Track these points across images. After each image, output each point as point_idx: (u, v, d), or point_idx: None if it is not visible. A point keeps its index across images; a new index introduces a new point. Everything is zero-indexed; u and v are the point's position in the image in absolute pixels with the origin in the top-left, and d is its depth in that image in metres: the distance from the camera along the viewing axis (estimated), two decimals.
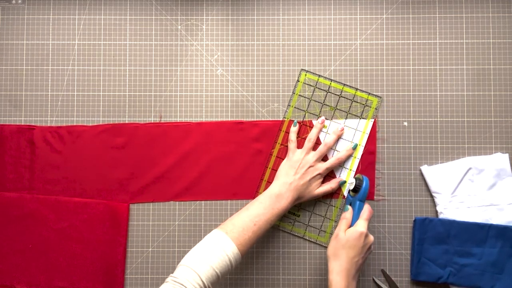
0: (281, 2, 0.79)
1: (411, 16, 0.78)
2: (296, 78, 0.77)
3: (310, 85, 0.77)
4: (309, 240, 0.76)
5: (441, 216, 0.74)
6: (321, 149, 0.74)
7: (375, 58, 0.78)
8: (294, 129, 0.75)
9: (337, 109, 0.77)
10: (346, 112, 0.77)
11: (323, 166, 0.73)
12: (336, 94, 0.77)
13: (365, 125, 0.76)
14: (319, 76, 0.77)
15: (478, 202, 0.74)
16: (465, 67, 0.77)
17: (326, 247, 0.75)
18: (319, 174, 0.73)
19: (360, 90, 0.77)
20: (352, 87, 0.77)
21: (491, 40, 0.77)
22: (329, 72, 0.77)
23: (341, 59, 0.78)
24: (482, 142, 0.76)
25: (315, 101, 0.77)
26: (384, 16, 0.78)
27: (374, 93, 0.77)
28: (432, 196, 0.75)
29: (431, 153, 0.76)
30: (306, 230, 0.76)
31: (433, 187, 0.75)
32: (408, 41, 0.78)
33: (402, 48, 0.78)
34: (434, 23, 0.78)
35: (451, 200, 0.74)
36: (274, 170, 0.76)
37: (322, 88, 0.77)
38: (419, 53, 0.77)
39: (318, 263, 0.76)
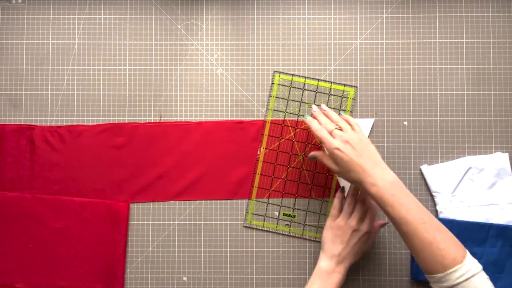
0: (281, 2, 0.79)
1: (411, 15, 0.78)
2: (271, 80, 0.78)
3: (285, 86, 0.77)
4: (308, 239, 0.76)
5: (441, 215, 0.74)
6: (359, 209, 0.69)
7: (375, 57, 0.78)
8: (339, 195, 0.71)
9: (315, 105, 0.77)
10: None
11: (365, 228, 0.68)
12: (312, 91, 0.77)
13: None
14: (293, 75, 0.77)
15: (478, 202, 0.74)
16: (465, 66, 0.77)
17: None
18: (363, 235, 0.68)
19: (335, 82, 0.77)
20: (326, 81, 0.77)
21: (491, 40, 0.77)
22: (329, 72, 0.77)
23: (341, 59, 0.78)
24: (482, 141, 0.76)
25: (293, 100, 0.77)
26: (384, 15, 0.78)
27: (349, 84, 0.77)
28: (432, 196, 0.75)
29: (431, 152, 0.76)
30: (303, 229, 0.76)
31: (433, 186, 0.75)
32: (408, 41, 0.78)
33: (402, 48, 0.78)
34: (434, 22, 0.78)
35: (451, 200, 0.74)
36: (263, 175, 0.76)
37: (297, 87, 0.77)
38: (419, 52, 0.77)
39: None
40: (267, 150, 0.77)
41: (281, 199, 0.77)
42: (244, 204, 0.77)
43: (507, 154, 0.75)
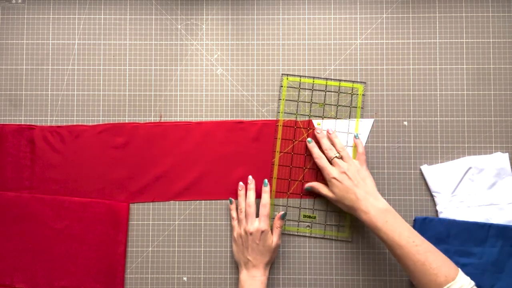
0: (281, 2, 0.79)
1: (411, 15, 0.78)
2: (280, 83, 0.77)
3: (294, 87, 0.77)
4: (330, 239, 0.76)
5: (441, 215, 0.74)
6: (249, 212, 0.72)
7: (375, 57, 0.78)
8: (232, 207, 0.75)
9: (326, 104, 0.77)
10: (336, 105, 0.77)
11: (262, 226, 0.71)
12: (321, 90, 0.77)
13: (356, 124, 0.76)
14: (301, 76, 0.77)
15: (478, 202, 0.74)
16: (465, 66, 0.77)
17: (349, 242, 0.76)
18: (261, 234, 0.71)
19: (343, 80, 0.77)
20: (335, 79, 0.77)
21: (491, 40, 0.77)
22: (329, 72, 0.77)
23: (341, 59, 0.78)
24: (482, 141, 0.76)
25: (303, 101, 0.77)
26: (384, 15, 0.78)
27: (357, 80, 0.77)
28: (432, 196, 0.75)
29: (431, 152, 0.76)
30: (325, 229, 0.76)
31: (433, 186, 0.75)
32: (408, 41, 0.78)
33: (402, 48, 0.78)
34: (434, 22, 0.78)
35: (451, 200, 0.74)
36: (280, 179, 0.76)
37: (306, 88, 0.77)
38: (419, 52, 0.77)
39: (319, 263, 0.76)
40: (282, 153, 0.77)
41: (300, 201, 0.76)
42: None
43: (507, 154, 0.75)
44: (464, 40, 0.77)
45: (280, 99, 0.77)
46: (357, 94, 0.77)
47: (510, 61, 0.77)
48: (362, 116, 0.77)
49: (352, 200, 0.68)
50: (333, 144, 0.74)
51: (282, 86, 0.77)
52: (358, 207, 0.68)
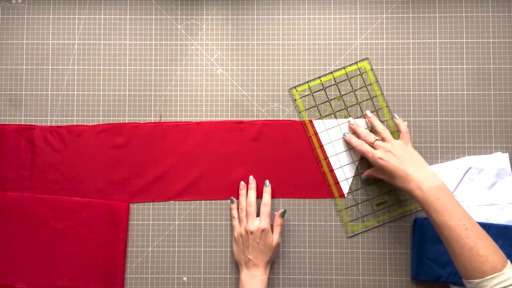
0: (281, 2, 0.79)
1: (411, 15, 0.78)
2: (292, 98, 0.77)
3: (307, 95, 0.77)
4: (410, 214, 0.75)
5: None
6: (250, 211, 0.73)
7: (375, 57, 0.78)
8: (233, 206, 0.75)
9: (343, 95, 0.77)
10: (352, 91, 0.77)
11: (262, 225, 0.71)
12: (333, 84, 0.77)
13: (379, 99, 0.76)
14: (308, 82, 0.77)
15: (478, 202, 0.74)
16: (465, 66, 0.77)
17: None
18: (261, 232, 0.71)
19: (347, 66, 0.77)
20: (339, 68, 0.77)
21: (491, 40, 0.77)
22: (329, 72, 0.77)
23: (341, 59, 0.78)
24: (482, 141, 0.76)
25: (321, 103, 0.77)
26: (384, 15, 0.78)
27: (359, 59, 0.77)
28: None
29: (431, 152, 0.76)
30: (401, 207, 0.76)
31: None
32: (408, 41, 0.78)
33: (402, 48, 0.78)
34: (434, 22, 0.78)
35: None
36: (337, 183, 0.76)
37: (317, 90, 0.77)
38: (419, 52, 0.77)
39: (319, 263, 0.76)
40: (327, 159, 0.77)
41: (366, 193, 0.76)
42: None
43: (507, 154, 0.75)
44: (464, 40, 0.77)
45: (299, 112, 0.77)
46: (366, 72, 0.77)
47: (510, 61, 0.77)
48: (382, 91, 0.77)
49: (403, 177, 0.66)
50: (373, 126, 0.74)
51: (295, 100, 0.77)
52: (409, 184, 0.65)
